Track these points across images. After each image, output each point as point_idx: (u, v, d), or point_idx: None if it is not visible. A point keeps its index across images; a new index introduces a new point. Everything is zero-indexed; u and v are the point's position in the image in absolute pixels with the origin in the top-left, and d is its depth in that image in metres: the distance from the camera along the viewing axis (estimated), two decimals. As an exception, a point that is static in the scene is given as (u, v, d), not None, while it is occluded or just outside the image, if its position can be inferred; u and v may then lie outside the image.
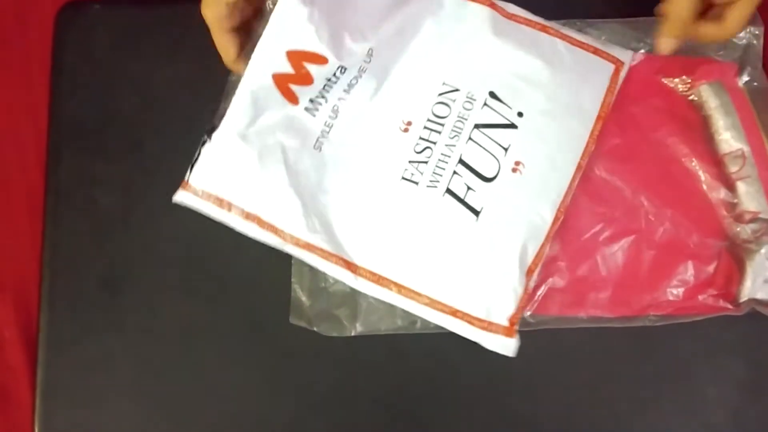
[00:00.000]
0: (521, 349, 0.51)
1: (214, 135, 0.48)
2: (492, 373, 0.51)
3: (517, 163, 0.50)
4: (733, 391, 0.51)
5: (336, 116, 0.50)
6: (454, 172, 0.50)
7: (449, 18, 0.53)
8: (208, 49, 0.56)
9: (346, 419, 0.51)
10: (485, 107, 0.51)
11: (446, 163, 0.50)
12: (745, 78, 0.54)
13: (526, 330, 0.50)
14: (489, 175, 0.50)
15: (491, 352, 0.49)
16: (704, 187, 0.53)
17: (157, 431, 0.51)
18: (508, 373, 0.51)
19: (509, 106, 0.51)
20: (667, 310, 0.51)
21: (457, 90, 0.51)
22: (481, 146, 0.50)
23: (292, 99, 0.49)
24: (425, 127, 0.51)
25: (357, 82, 0.51)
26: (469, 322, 0.48)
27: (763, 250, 0.50)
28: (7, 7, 0.60)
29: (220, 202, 0.48)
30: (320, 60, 0.50)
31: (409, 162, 0.50)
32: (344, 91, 0.50)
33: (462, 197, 0.49)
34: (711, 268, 0.51)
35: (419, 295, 0.49)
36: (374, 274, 0.49)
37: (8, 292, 0.56)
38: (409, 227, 0.49)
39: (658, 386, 0.51)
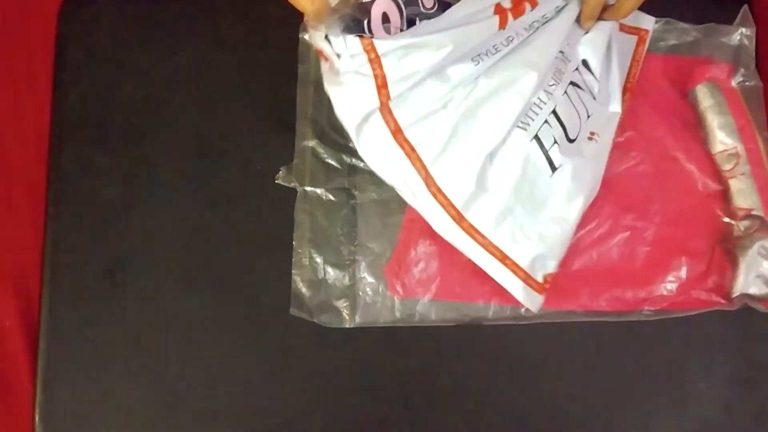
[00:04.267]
0: (517, 342, 0.52)
1: (378, 41, 0.45)
2: (488, 365, 0.51)
3: (592, 133, 0.51)
4: (726, 385, 0.52)
5: (508, 45, 0.49)
6: (546, 121, 0.49)
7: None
8: (210, 43, 0.57)
9: (345, 410, 0.52)
10: (576, 72, 0.52)
11: (541, 109, 0.49)
12: (739, 78, 0.55)
13: (522, 324, 0.51)
14: (572, 136, 0.50)
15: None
16: (698, 184, 0.53)
17: (156, 420, 0.51)
18: (504, 366, 0.52)
19: (596, 78, 0.52)
20: (662, 305, 0.52)
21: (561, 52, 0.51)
22: (572, 103, 0.50)
23: None
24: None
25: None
26: (514, 272, 0.48)
27: (755, 246, 0.51)
28: (11, 0, 0.60)
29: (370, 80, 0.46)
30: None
31: None
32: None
33: (547, 149, 0.49)
34: (704, 264, 0.52)
35: (478, 233, 0.48)
36: (445, 197, 0.48)
37: (9, 281, 0.56)
38: (492, 163, 0.48)
39: (651, 380, 0.52)
